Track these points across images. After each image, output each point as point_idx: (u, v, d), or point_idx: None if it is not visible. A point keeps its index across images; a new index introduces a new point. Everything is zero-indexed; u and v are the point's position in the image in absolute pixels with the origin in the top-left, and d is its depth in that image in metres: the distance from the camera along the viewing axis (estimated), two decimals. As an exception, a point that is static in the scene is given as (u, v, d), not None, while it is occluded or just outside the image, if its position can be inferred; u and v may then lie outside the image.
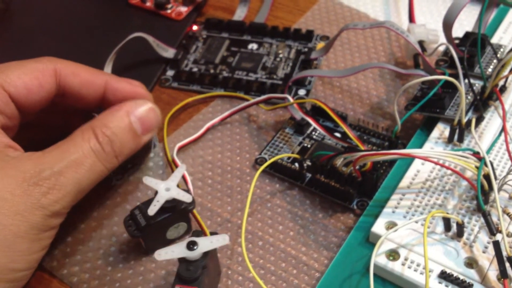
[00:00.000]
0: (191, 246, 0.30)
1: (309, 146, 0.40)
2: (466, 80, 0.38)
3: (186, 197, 0.33)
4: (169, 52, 0.47)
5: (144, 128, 0.35)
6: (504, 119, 0.35)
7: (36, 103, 0.35)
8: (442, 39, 0.42)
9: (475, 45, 0.40)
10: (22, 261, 0.30)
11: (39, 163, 0.31)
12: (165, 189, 0.34)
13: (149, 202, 0.34)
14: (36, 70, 0.34)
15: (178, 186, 0.34)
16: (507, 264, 0.30)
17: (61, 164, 0.32)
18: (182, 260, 0.31)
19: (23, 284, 0.32)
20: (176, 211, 0.34)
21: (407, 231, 0.33)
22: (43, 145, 0.34)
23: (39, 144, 0.37)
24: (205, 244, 0.31)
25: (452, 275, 0.30)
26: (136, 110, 0.35)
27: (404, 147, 0.39)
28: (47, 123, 0.39)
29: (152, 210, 0.33)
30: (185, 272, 0.30)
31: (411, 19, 0.48)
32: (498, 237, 0.30)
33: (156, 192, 0.34)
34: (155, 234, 0.34)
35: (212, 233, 0.33)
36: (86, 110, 0.38)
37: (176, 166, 0.39)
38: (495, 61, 0.41)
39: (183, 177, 0.38)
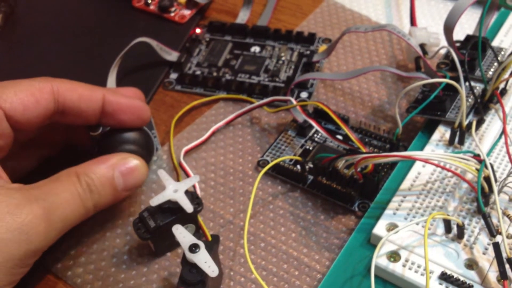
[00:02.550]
0: (193, 248, 0.31)
1: (311, 148, 0.40)
2: (467, 83, 0.38)
3: (187, 207, 0.34)
4: (172, 55, 0.48)
5: (126, 185, 0.35)
6: (504, 122, 0.35)
7: (33, 119, 0.34)
8: (443, 42, 0.42)
9: (476, 48, 0.40)
10: None
11: (31, 195, 0.31)
12: (173, 190, 0.34)
13: (156, 205, 0.34)
14: (33, 87, 0.34)
15: (187, 191, 0.34)
16: (507, 266, 0.30)
17: (52, 199, 0.31)
18: (185, 263, 0.31)
19: None
20: (184, 213, 0.34)
21: (408, 233, 0.33)
22: (47, 163, 0.34)
23: (42, 163, 0.37)
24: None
25: (453, 276, 0.31)
26: (122, 166, 0.35)
27: (405, 149, 0.39)
28: (49, 140, 0.39)
29: (153, 201, 0.33)
30: (188, 275, 0.30)
31: (413, 22, 0.48)
32: (498, 238, 0.31)
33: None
34: (164, 236, 0.35)
35: (213, 235, 0.33)
36: (87, 126, 0.38)
37: (183, 169, 0.40)
38: (495, 64, 0.41)
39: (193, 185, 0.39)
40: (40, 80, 0.35)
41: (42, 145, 0.37)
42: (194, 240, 0.31)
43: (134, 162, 0.35)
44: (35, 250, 0.30)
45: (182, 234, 0.32)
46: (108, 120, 0.37)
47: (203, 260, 0.30)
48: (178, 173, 0.39)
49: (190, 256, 0.30)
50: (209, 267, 0.30)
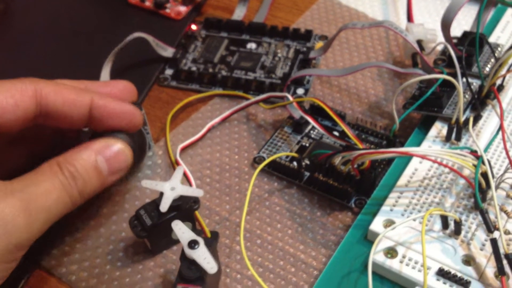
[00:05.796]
0: (192, 245, 0.30)
1: (307, 145, 0.40)
2: (464, 79, 0.38)
3: (196, 192, 0.33)
4: (168, 51, 0.47)
5: (111, 169, 0.34)
6: (501, 117, 0.35)
7: (12, 122, 0.33)
8: (440, 38, 0.42)
9: (473, 44, 0.40)
10: None
11: (7, 188, 0.30)
12: (170, 188, 0.34)
13: (153, 203, 0.34)
14: (13, 89, 0.33)
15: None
16: (505, 261, 0.30)
17: (31, 190, 0.30)
18: (184, 259, 0.31)
19: None
20: (181, 211, 0.34)
21: (405, 229, 0.33)
22: (38, 160, 0.34)
23: (33, 160, 0.36)
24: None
25: (450, 272, 0.30)
26: (105, 150, 0.34)
27: (402, 145, 0.39)
28: (38, 135, 0.37)
29: (163, 207, 0.33)
30: (187, 271, 0.30)
31: (410, 18, 0.48)
32: (496, 234, 0.31)
33: (161, 193, 0.34)
34: (160, 234, 0.34)
35: (212, 232, 0.33)
36: (73, 130, 0.37)
37: None
38: (492, 60, 0.41)
39: (187, 178, 0.39)
40: (23, 82, 0.33)
41: (30, 141, 0.37)
42: (193, 236, 0.31)
43: (117, 145, 0.35)
44: (18, 244, 0.30)
45: (182, 230, 0.31)
46: (96, 125, 0.35)
47: (202, 256, 0.30)
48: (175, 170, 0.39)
49: (189, 253, 0.30)
50: (208, 264, 0.30)
